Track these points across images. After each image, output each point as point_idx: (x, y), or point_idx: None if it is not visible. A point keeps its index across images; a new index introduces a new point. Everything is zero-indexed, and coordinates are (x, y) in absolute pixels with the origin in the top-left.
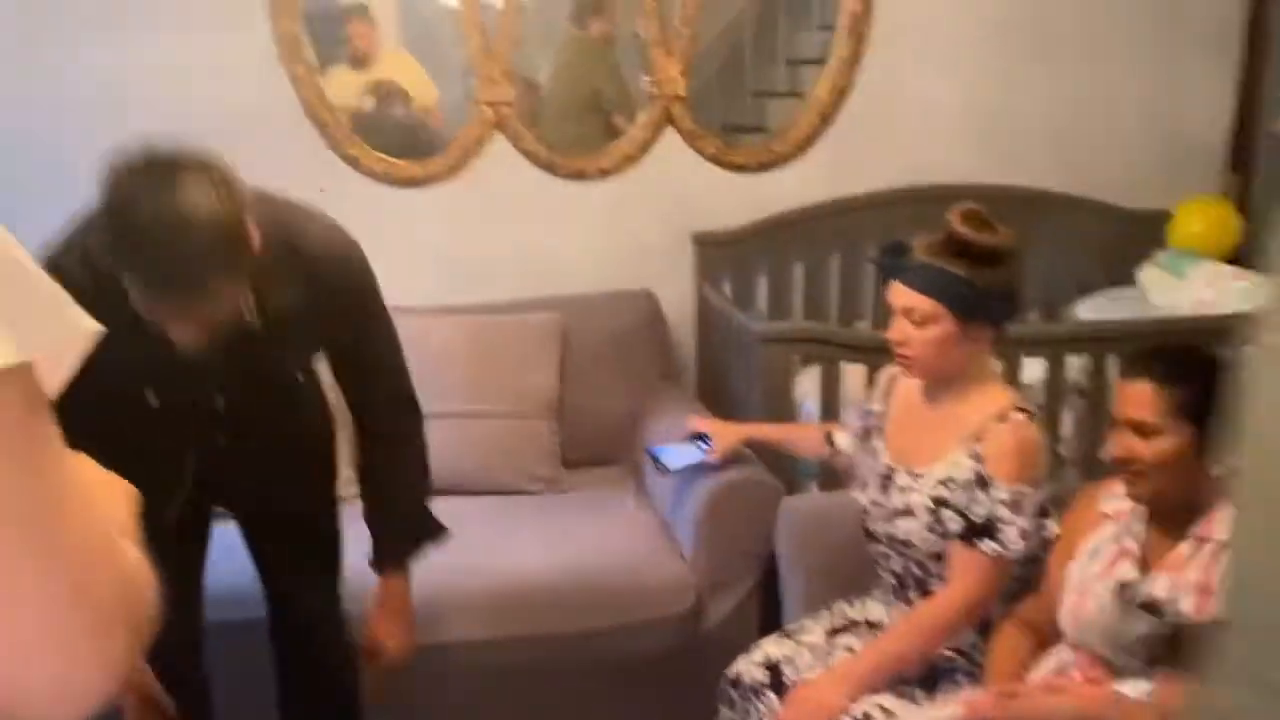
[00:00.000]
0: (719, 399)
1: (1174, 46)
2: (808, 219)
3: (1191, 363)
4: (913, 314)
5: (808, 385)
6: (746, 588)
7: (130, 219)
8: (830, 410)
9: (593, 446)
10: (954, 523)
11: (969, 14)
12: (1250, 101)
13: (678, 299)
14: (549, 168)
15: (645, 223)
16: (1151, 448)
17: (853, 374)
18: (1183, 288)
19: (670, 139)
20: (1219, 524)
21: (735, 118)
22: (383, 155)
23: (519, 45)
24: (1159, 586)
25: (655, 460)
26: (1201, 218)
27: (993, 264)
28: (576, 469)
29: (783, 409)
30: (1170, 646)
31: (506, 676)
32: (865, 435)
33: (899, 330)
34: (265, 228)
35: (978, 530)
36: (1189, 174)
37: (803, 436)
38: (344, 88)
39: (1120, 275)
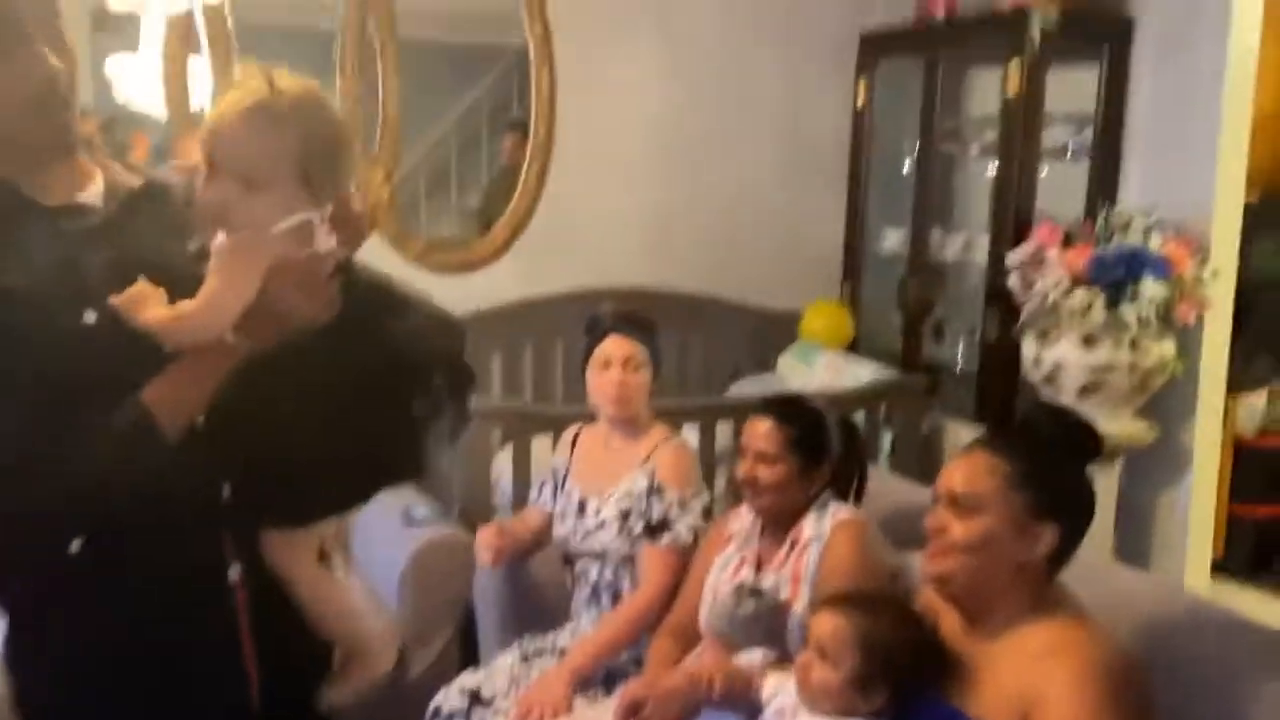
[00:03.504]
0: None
1: (800, 173)
2: (504, 316)
3: (802, 410)
4: (630, 361)
5: (504, 464)
6: (446, 637)
7: None
8: (522, 476)
9: None
10: (638, 525)
11: (636, 139)
12: (855, 221)
13: None
14: None
15: None
16: (771, 472)
17: (543, 447)
18: (811, 373)
19: (373, 242)
20: (806, 528)
21: (440, 224)
22: None
23: None
24: (765, 580)
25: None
26: (823, 317)
27: (653, 330)
28: None
29: (481, 486)
30: (771, 623)
31: None
32: (556, 486)
33: (618, 379)
34: None
35: (656, 529)
36: (813, 280)
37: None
38: None
39: (764, 363)
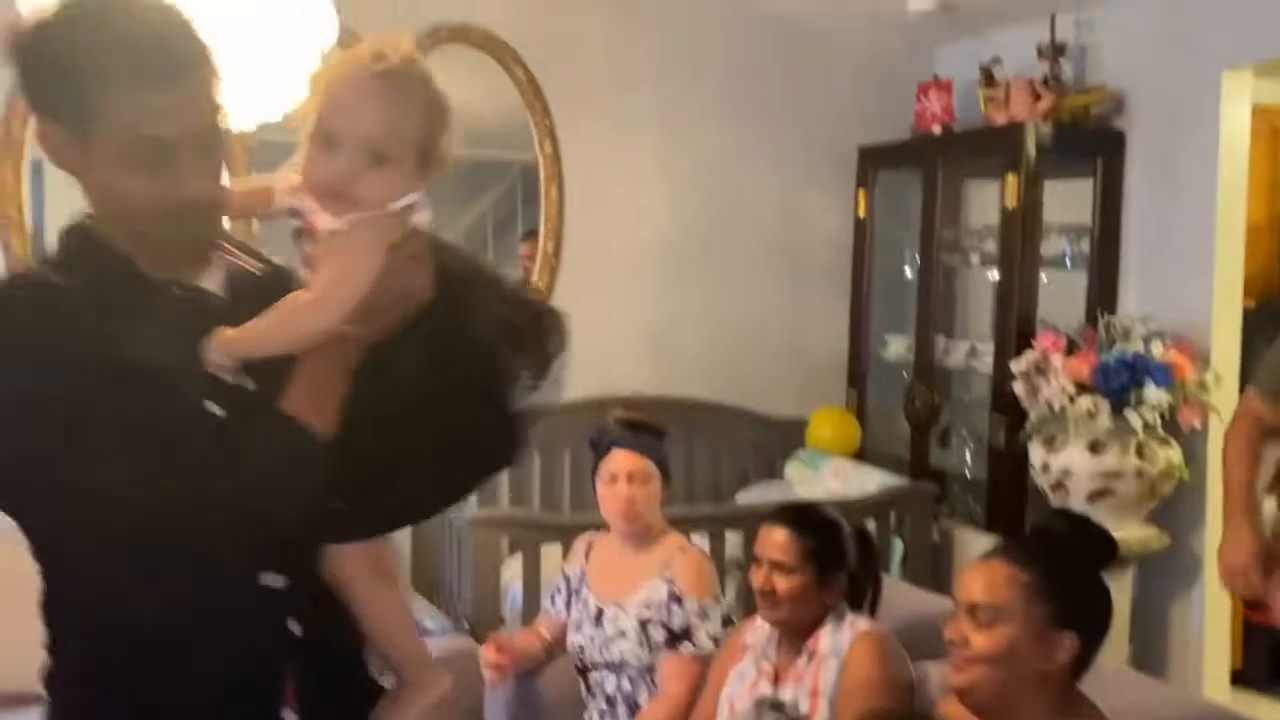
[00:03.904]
0: (431, 587)
1: (803, 282)
2: None
3: (818, 518)
4: (636, 475)
5: (514, 570)
6: None
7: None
8: (531, 585)
9: None
10: (659, 634)
11: (642, 250)
12: (859, 329)
13: None
14: None
15: None
16: (788, 583)
17: (551, 556)
18: (818, 479)
19: None
20: (823, 639)
21: None
22: None
23: None
24: (784, 693)
25: None
26: (829, 424)
27: (662, 436)
28: None
29: (490, 596)
30: None
31: None
32: (570, 594)
33: (625, 495)
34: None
35: (678, 637)
36: (818, 388)
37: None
38: None
39: (771, 470)
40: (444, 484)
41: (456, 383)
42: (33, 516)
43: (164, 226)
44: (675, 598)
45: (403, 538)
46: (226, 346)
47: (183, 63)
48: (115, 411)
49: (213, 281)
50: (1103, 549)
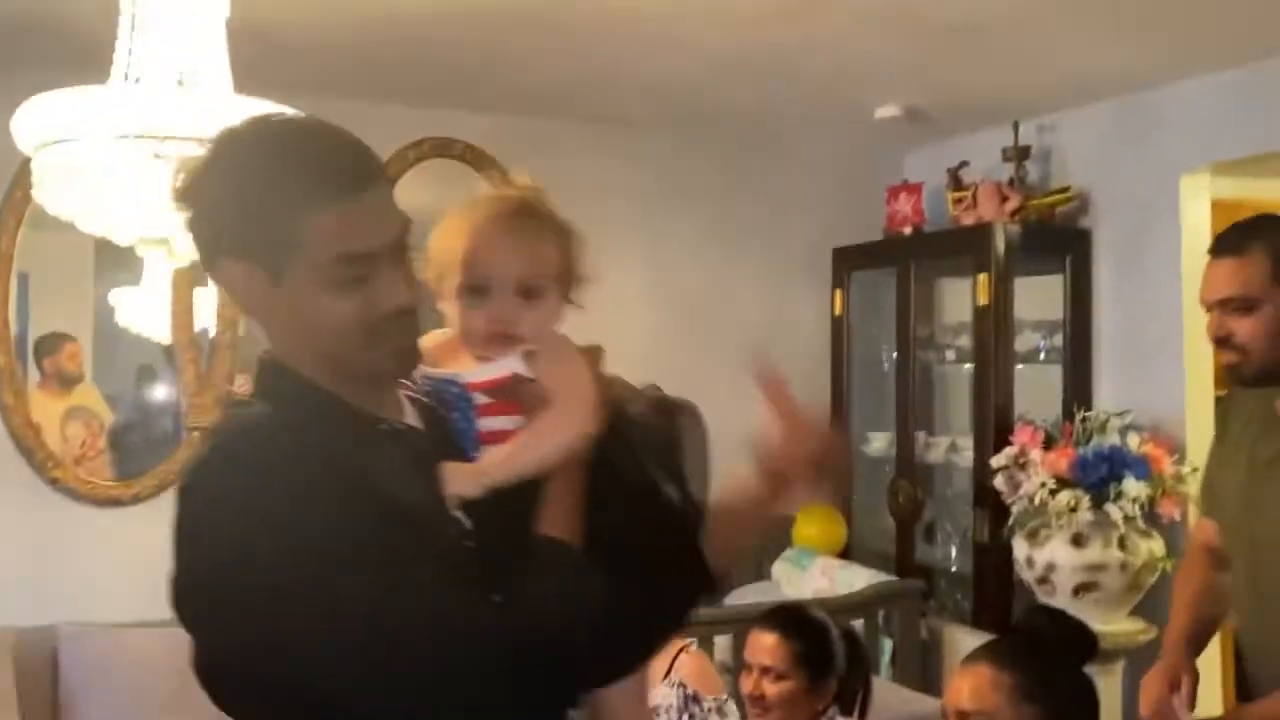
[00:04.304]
0: None
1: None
2: None
3: (807, 622)
4: None
5: None
6: None
7: (267, 129)
8: None
9: None
10: None
11: (624, 357)
12: (840, 426)
13: None
14: None
15: None
16: (778, 689)
17: None
18: (805, 578)
19: None
20: None
21: None
22: (87, 477)
23: (231, 379)
24: None
25: None
26: (815, 522)
27: None
28: None
29: None
30: None
31: None
32: None
33: None
34: None
35: None
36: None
37: None
38: (45, 412)
39: (758, 570)
40: (664, 608)
41: (642, 490)
42: (291, 661)
43: (365, 345)
44: (691, 699)
45: None
46: (475, 478)
47: (372, 173)
48: (386, 548)
49: (397, 409)
50: (1083, 643)
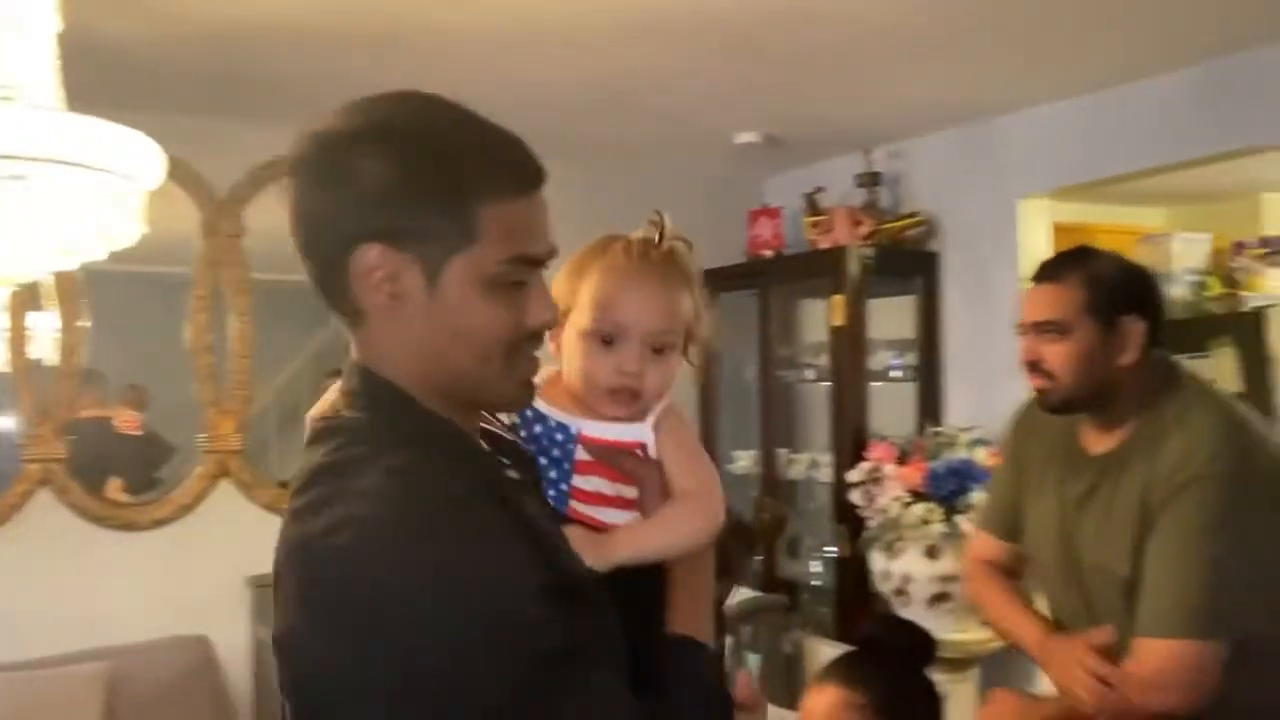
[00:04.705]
0: None
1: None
2: None
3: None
4: None
5: None
6: None
7: (437, 108)
8: None
9: None
10: None
11: None
12: (707, 445)
13: (235, 642)
14: (98, 520)
15: (201, 570)
16: None
17: None
18: None
19: (225, 489)
20: None
21: (291, 465)
22: None
23: (75, 408)
24: None
25: None
26: None
27: None
28: None
29: None
30: None
31: None
32: None
33: None
34: None
35: None
36: None
37: None
38: None
39: None
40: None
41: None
42: None
43: (504, 364)
44: None
45: (245, 691)
46: (603, 551)
47: (541, 173)
48: (600, 642)
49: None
50: (924, 647)
